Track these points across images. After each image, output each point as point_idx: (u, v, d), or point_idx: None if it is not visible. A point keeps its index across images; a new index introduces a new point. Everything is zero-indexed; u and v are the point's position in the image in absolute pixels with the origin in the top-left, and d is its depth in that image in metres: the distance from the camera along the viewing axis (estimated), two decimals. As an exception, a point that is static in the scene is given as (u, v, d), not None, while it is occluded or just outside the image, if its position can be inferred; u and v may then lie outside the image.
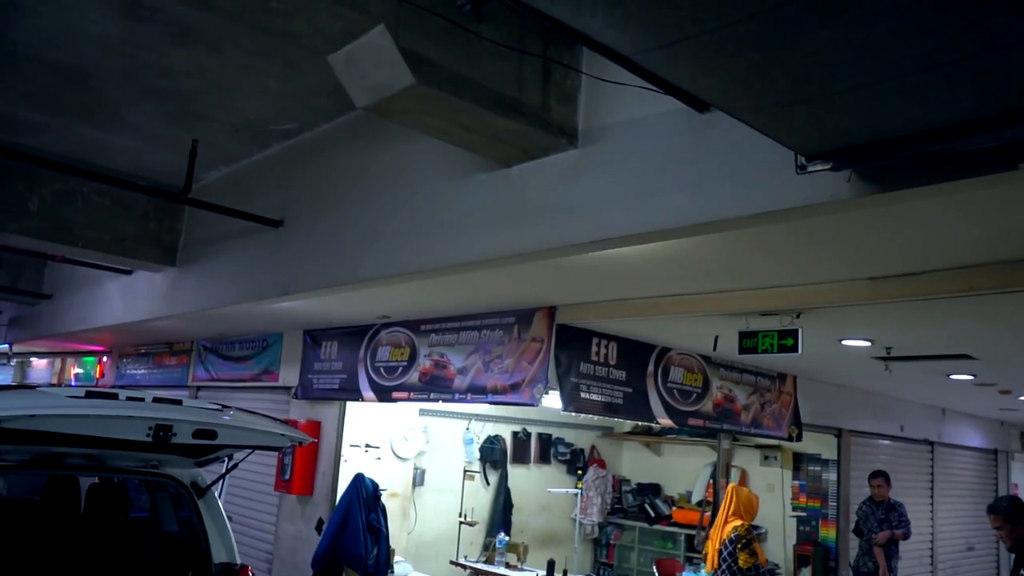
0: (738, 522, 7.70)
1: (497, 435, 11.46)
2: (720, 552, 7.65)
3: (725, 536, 7.67)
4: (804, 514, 11.40)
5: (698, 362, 8.53)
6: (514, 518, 11.31)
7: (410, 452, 10.04)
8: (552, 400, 7.01)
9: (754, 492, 8.49)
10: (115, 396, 4.80)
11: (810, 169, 3.29)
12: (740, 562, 7.45)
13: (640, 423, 10.13)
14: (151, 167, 7.95)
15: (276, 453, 8.87)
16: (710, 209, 3.94)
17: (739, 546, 7.51)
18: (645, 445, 13.14)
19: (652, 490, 12.75)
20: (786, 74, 2.60)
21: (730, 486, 8.21)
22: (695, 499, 12.02)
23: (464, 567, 9.70)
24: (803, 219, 3.83)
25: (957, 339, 7.09)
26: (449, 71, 4.04)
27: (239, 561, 5.66)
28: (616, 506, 12.79)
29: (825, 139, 3.11)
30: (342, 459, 8.97)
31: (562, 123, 4.59)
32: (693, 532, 11.33)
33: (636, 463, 13.35)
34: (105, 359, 15.16)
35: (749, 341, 6.28)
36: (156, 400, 4.84)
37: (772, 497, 11.42)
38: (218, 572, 5.52)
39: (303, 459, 9.00)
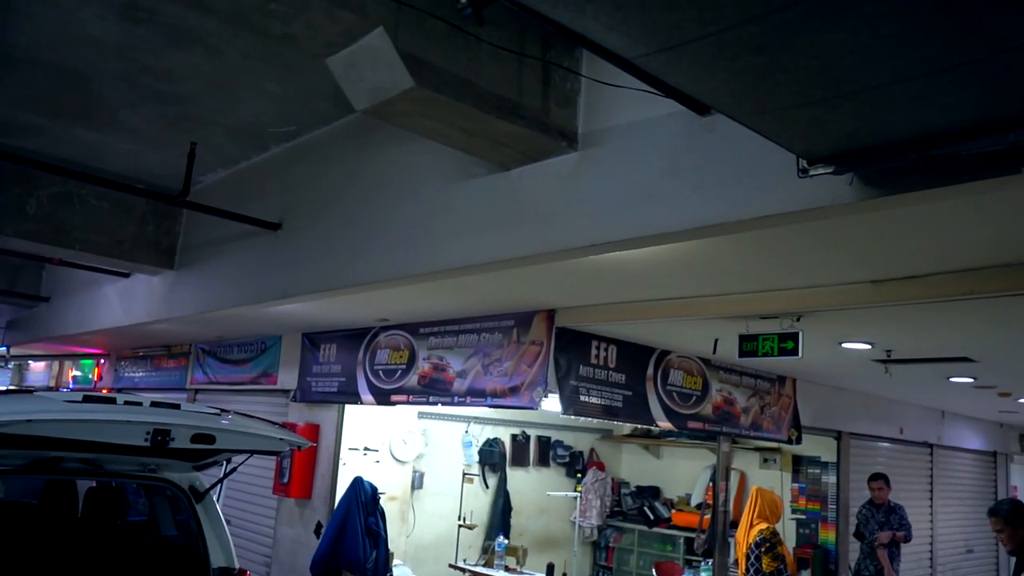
0: (763, 525, 7.65)
1: (496, 438, 11.44)
2: (747, 556, 7.62)
3: (751, 540, 7.63)
4: (804, 517, 11.38)
5: (698, 365, 8.52)
6: (513, 521, 11.29)
7: (409, 455, 10.03)
8: (551, 403, 6.99)
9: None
10: (113, 400, 4.78)
11: (812, 172, 3.27)
12: (764, 566, 7.42)
13: (639, 426, 10.12)
14: (149, 170, 7.93)
15: (274, 457, 8.85)
16: (711, 212, 3.92)
17: (763, 550, 7.48)
18: (644, 448, 13.13)
19: (651, 493, 12.74)
20: (789, 78, 2.58)
21: (754, 488, 8.13)
22: (694, 502, 12.01)
23: (463, 570, 9.68)
24: (805, 222, 3.82)
25: (957, 342, 7.08)
26: (448, 74, 4.02)
27: (237, 565, 5.64)
28: (615, 509, 12.77)
29: (827, 142, 3.09)
30: (341, 462, 8.95)
31: (562, 126, 4.57)
32: (692, 535, 11.31)
33: (635, 466, 13.34)
34: (103, 362, 15.14)
35: (749, 344, 6.26)
36: (154, 404, 4.82)
37: (771, 500, 11.40)
38: (216, 576, 5.51)
39: (301, 462, 8.97)
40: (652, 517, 12.21)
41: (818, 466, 11.34)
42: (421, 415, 10.12)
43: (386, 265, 5.91)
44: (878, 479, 9.94)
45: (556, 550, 11.20)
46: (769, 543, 7.52)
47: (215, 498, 5.78)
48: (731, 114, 3.06)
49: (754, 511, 7.80)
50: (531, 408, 6.81)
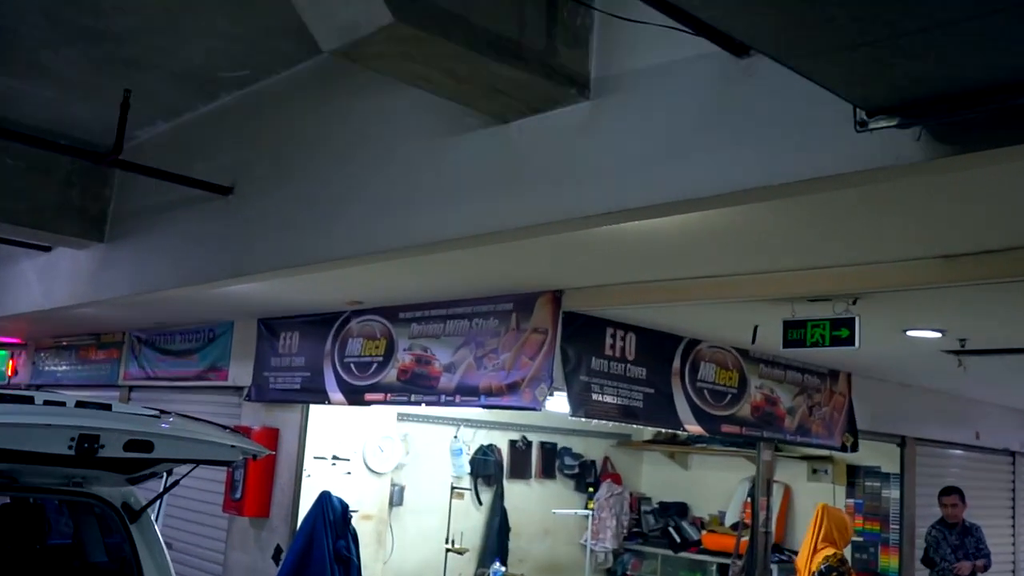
0: (830, 551, 7.64)
1: (491, 445, 11.48)
2: None
3: (815, 568, 7.62)
4: (861, 539, 11.41)
5: (733, 357, 8.53)
6: (511, 544, 11.36)
7: (386, 466, 10.04)
8: (557, 403, 7.01)
9: (829, 512, 8.29)
10: (30, 400, 4.79)
11: (872, 126, 3.27)
12: None
13: (663, 430, 10.15)
14: (75, 123, 7.92)
15: (225, 468, 8.88)
16: (749, 174, 3.92)
17: None
18: (669, 456, 13.19)
19: (677, 510, 12.80)
20: (847, 10, 2.58)
21: (820, 506, 8.10)
22: (729, 521, 12.06)
23: (452, 603, 9.75)
24: (862, 186, 3.82)
25: (1045, 330, 7.11)
26: (435, 7, 4.01)
27: (181, 597, 5.68)
28: (634, 530, 12.83)
29: (892, 90, 3.09)
30: (304, 474, 8.98)
31: (571, 70, 4.57)
32: (727, 561, 11.36)
33: (658, 478, 13.40)
34: (19, 353, 15.16)
35: (795, 332, 6.27)
36: (80, 405, 4.83)
37: (821, 519, 11.44)
38: (156, 610, 5.53)
39: (257, 474, 9.01)
40: (678, 539, 12.26)
41: (878, 478, 11.40)
42: (401, 417, 10.14)
43: (359, 238, 5.91)
44: (951, 494, 9.98)
45: (563, 579, 11.28)
46: (837, 572, 7.52)
47: (153, 517, 5.80)
48: (775, 55, 3.06)
49: (819, 533, 7.78)
50: (533, 409, 6.83)
